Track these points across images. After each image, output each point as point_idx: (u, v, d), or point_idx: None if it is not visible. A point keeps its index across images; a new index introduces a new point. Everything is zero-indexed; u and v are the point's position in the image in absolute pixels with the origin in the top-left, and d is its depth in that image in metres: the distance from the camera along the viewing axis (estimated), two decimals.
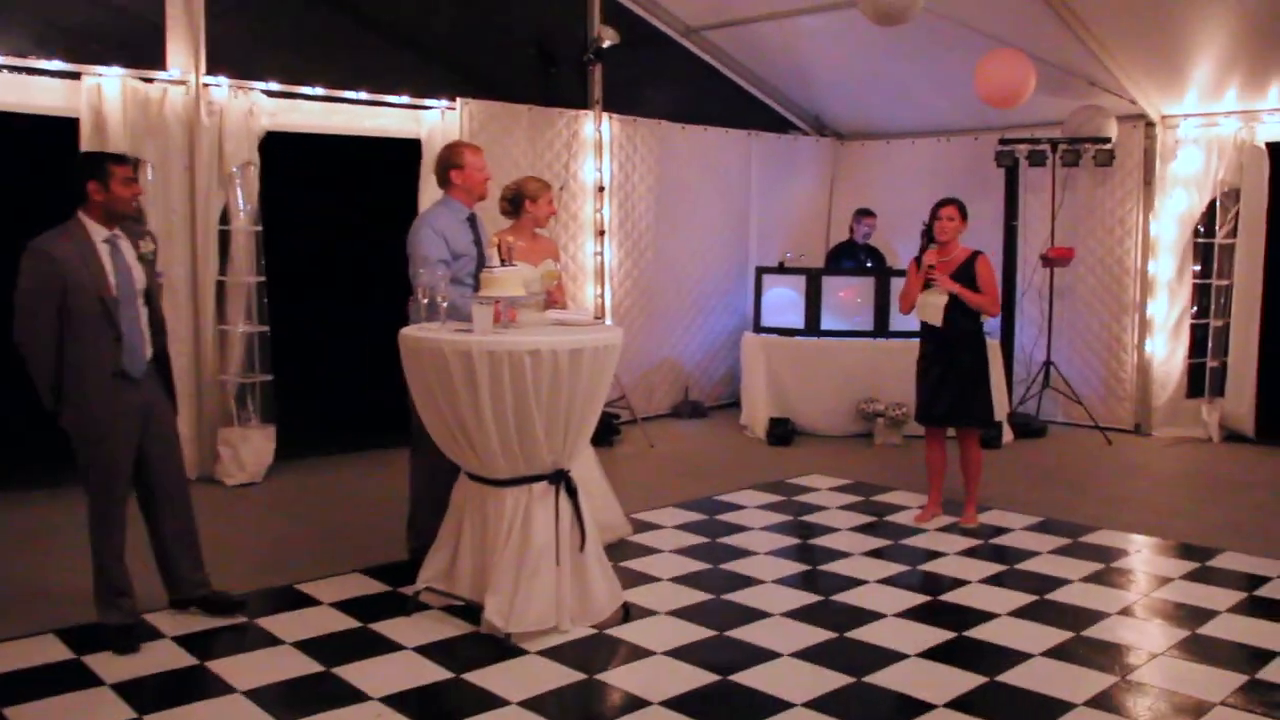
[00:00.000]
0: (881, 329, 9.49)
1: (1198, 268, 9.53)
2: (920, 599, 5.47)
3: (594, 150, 9.75)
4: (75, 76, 7.04)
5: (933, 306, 6.71)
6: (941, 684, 4.44)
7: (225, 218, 7.65)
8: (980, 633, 5.02)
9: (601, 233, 9.85)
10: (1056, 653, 4.78)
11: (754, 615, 5.21)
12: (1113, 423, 9.84)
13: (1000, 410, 9.34)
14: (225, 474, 7.64)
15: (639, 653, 4.76)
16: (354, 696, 4.30)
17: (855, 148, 11.87)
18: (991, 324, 9.84)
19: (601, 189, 9.80)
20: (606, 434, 9.07)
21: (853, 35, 9.44)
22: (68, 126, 7.04)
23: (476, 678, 4.48)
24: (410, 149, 8.50)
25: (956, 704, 4.26)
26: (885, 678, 4.52)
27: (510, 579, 4.82)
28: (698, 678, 4.51)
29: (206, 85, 7.47)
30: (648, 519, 6.88)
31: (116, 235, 4.70)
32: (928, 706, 4.24)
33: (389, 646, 4.81)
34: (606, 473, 6.42)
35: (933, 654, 4.77)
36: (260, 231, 7.77)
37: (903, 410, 8.97)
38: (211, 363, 7.71)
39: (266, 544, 6.37)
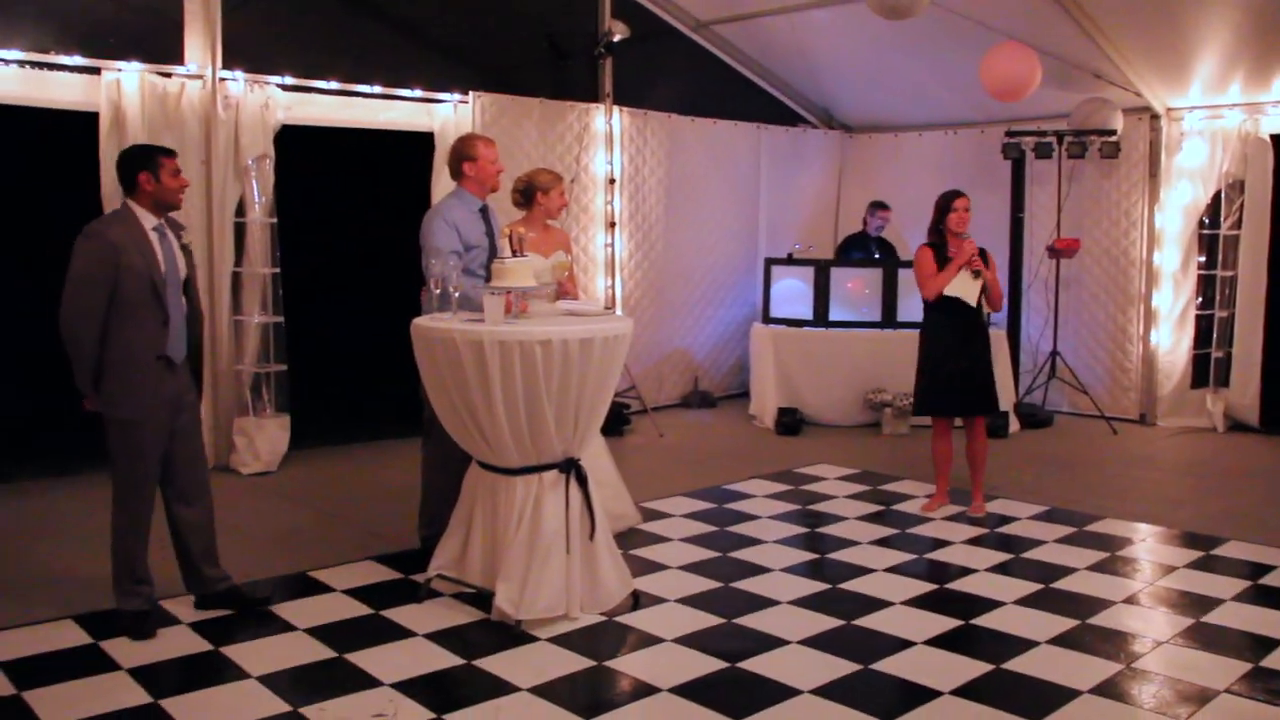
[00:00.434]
0: (889, 320, 9.54)
1: (1203, 259, 9.58)
2: (927, 587, 5.52)
3: (605, 143, 9.80)
4: (95, 72, 7.11)
5: (966, 288, 6.76)
6: (948, 671, 4.49)
7: (241, 210, 7.72)
8: (986, 620, 5.07)
9: (612, 224, 9.90)
10: (1062, 640, 4.83)
11: (762, 603, 5.27)
12: (1118, 413, 9.88)
13: (1006, 400, 9.40)
14: (240, 463, 7.72)
15: (648, 640, 4.82)
16: (366, 682, 4.36)
17: (863, 140, 11.90)
18: (998, 315, 9.89)
19: (612, 181, 9.86)
20: (617, 423, 9.13)
21: (861, 29, 9.48)
22: (87, 121, 7.12)
23: (487, 664, 4.54)
24: (423, 142, 8.56)
25: (963, 691, 4.31)
26: (892, 665, 4.57)
27: (521, 566, 4.88)
28: (706, 665, 4.56)
29: (223, 79, 7.55)
30: (657, 507, 6.94)
31: (163, 225, 4.83)
32: (934, 693, 4.29)
33: (400, 633, 4.87)
34: (617, 462, 6.48)
35: (939, 641, 4.82)
36: (275, 223, 7.84)
37: (910, 401, 9.00)
38: (227, 353, 7.79)
39: (280, 532, 6.45)
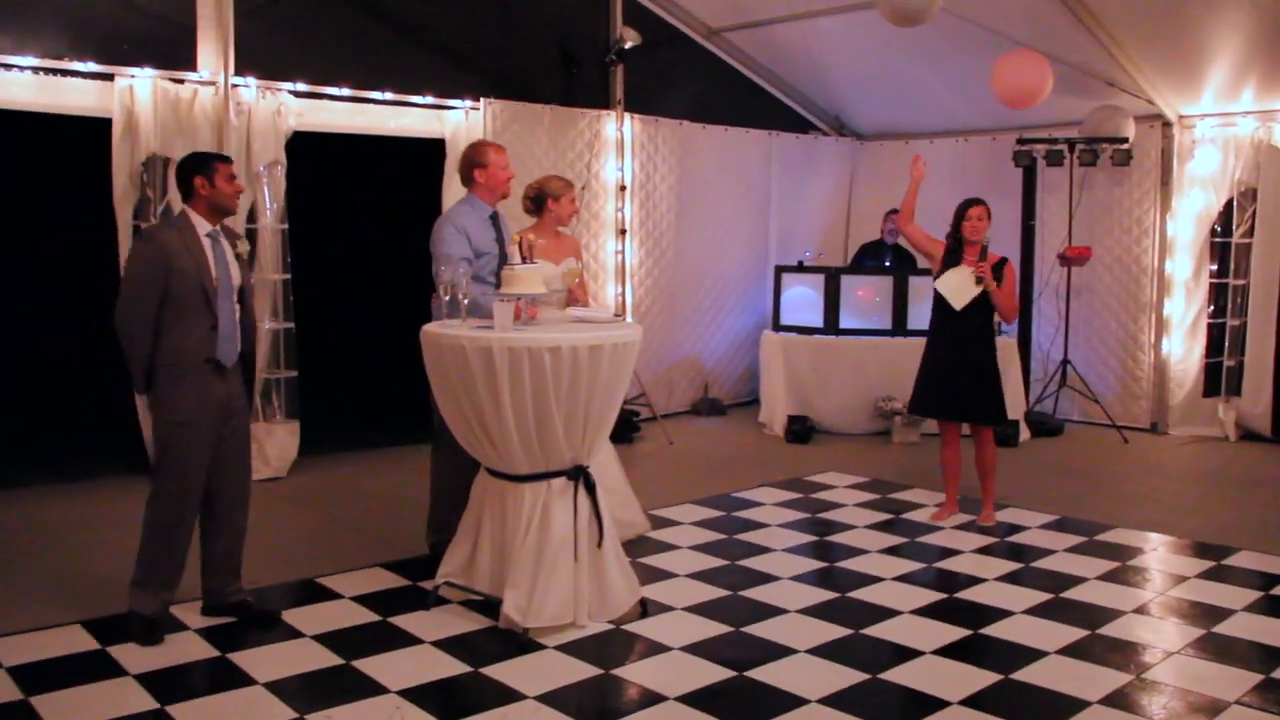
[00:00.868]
0: (900, 328, 9.51)
1: (1214, 267, 9.54)
2: (936, 596, 5.51)
3: (615, 150, 9.81)
4: (108, 78, 7.14)
5: (959, 289, 6.71)
6: (957, 681, 4.47)
7: (252, 216, 7.73)
8: (996, 630, 5.05)
9: (623, 231, 9.91)
10: (1072, 651, 4.80)
11: (770, 611, 5.26)
12: (1129, 421, 9.85)
13: (1017, 409, 9.38)
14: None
15: (656, 648, 4.81)
16: (373, 689, 4.36)
17: (874, 148, 11.89)
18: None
19: (623, 188, 9.86)
20: (626, 431, 9.13)
21: (872, 36, 9.47)
22: (101, 126, 7.15)
23: (494, 672, 4.53)
24: (434, 148, 8.57)
25: (971, 701, 4.29)
26: (900, 674, 4.56)
27: (529, 574, 4.88)
28: (714, 673, 4.55)
29: (235, 86, 7.56)
30: (666, 515, 6.93)
31: (217, 231, 4.89)
32: (942, 703, 4.27)
33: (408, 640, 4.87)
34: (626, 469, 6.49)
35: (948, 651, 4.80)
36: (286, 230, 7.85)
37: None
38: None
39: (289, 538, 6.45)
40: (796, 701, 4.28)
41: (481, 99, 8.78)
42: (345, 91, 8.15)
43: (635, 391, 9.53)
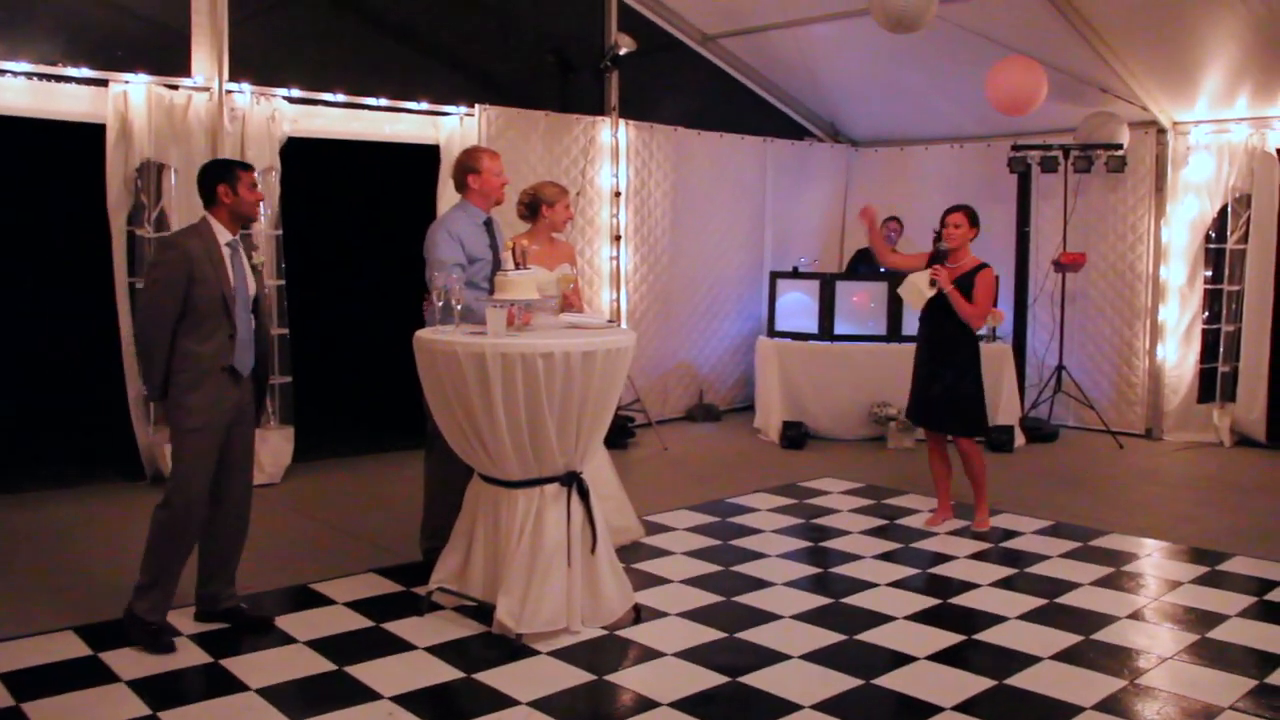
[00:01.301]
0: (894, 333, 9.52)
1: (1209, 273, 9.56)
2: (930, 602, 5.50)
3: (610, 156, 9.81)
4: (102, 84, 7.15)
5: (915, 290, 6.72)
6: (950, 687, 4.47)
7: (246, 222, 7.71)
8: (989, 636, 5.05)
9: (618, 238, 9.91)
10: (1066, 656, 4.80)
11: (764, 617, 5.25)
12: (1124, 427, 9.86)
13: (1011, 414, 9.39)
14: None
15: (649, 654, 4.80)
16: (366, 695, 4.35)
17: (869, 154, 11.90)
18: (1004, 329, 9.91)
19: (618, 194, 9.87)
20: (621, 437, 9.12)
21: (867, 43, 9.49)
22: (94, 132, 7.15)
23: (487, 677, 4.53)
24: (429, 155, 8.58)
25: (964, 707, 4.28)
26: (894, 680, 4.55)
27: (522, 580, 4.88)
28: (707, 679, 4.54)
29: (229, 92, 7.56)
30: (660, 521, 6.93)
31: (237, 241, 4.90)
32: (936, 709, 4.27)
33: (401, 646, 4.86)
34: (620, 475, 6.48)
35: (942, 657, 4.80)
36: (281, 235, 7.85)
37: None
38: None
39: (283, 544, 6.43)
40: (790, 707, 4.27)
41: (476, 105, 8.79)
42: (340, 97, 8.16)
43: (630, 397, 9.53)
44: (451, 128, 8.67)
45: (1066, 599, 5.56)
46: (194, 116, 7.46)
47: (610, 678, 4.57)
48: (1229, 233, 9.44)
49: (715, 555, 6.27)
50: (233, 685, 4.43)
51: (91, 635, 4.89)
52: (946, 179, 10.82)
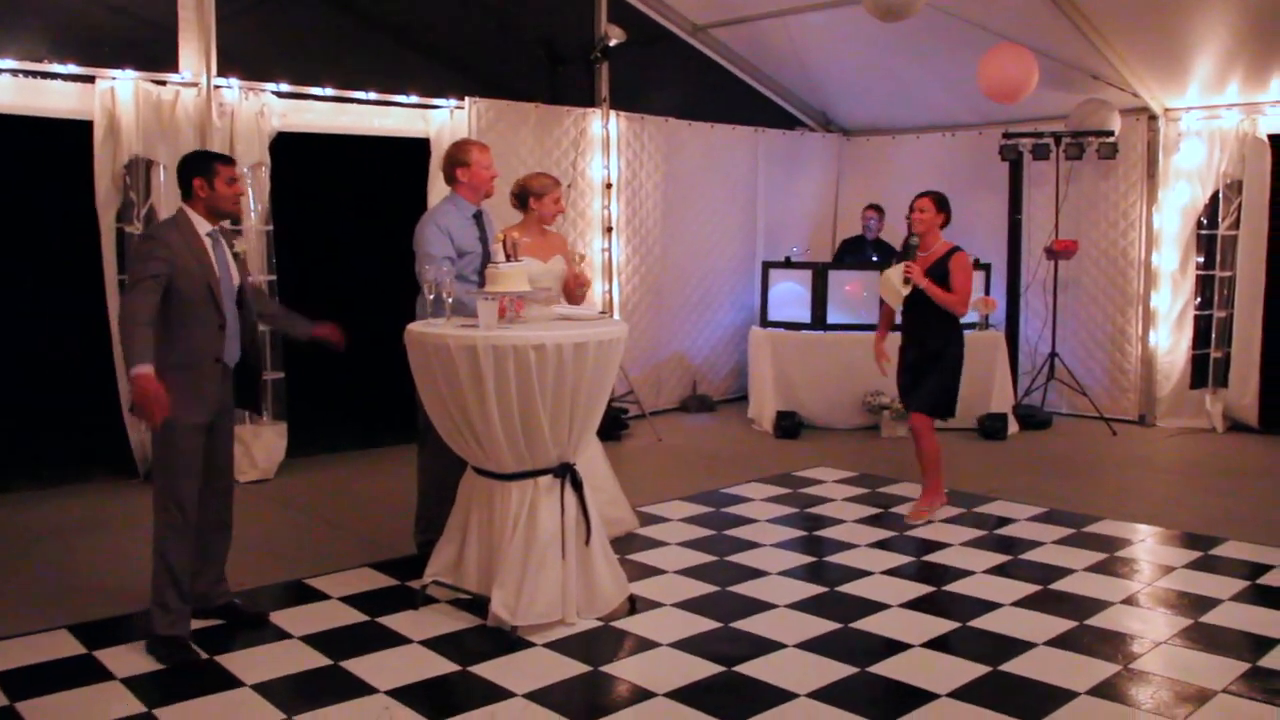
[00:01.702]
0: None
1: (1201, 259, 9.57)
2: (925, 589, 5.51)
3: (601, 148, 9.80)
4: (89, 80, 7.12)
5: (892, 289, 6.69)
6: (945, 673, 4.48)
7: (237, 218, 7.70)
8: (984, 623, 5.06)
9: (610, 229, 9.90)
10: (1060, 642, 4.82)
11: (759, 607, 5.26)
12: (1117, 414, 9.88)
13: (1005, 402, 9.41)
14: (238, 471, 7.65)
15: (644, 645, 4.81)
16: (362, 689, 4.35)
17: (861, 143, 11.90)
18: (996, 317, 9.91)
19: (609, 186, 9.85)
20: (614, 428, 9.12)
21: (857, 31, 9.47)
22: (82, 129, 7.13)
23: (483, 670, 4.53)
24: (419, 148, 8.56)
25: (960, 693, 4.30)
26: (889, 667, 4.56)
27: (517, 572, 4.87)
28: (703, 669, 4.55)
29: (218, 87, 7.54)
30: (655, 512, 6.93)
31: (217, 231, 4.84)
32: (931, 696, 4.28)
33: (396, 640, 4.86)
34: (614, 467, 6.48)
35: (936, 644, 4.81)
36: (271, 231, 7.83)
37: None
38: None
39: (277, 539, 6.44)
40: (785, 696, 4.28)
41: (466, 98, 8.76)
42: (329, 92, 8.14)
43: (624, 389, 9.53)
44: (441, 121, 8.65)
45: (1060, 585, 5.57)
46: (182, 112, 7.42)
47: (606, 669, 4.57)
48: (1220, 219, 9.44)
49: (710, 545, 6.27)
50: (228, 682, 4.43)
51: (86, 634, 4.89)
52: (938, 167, 10.82)
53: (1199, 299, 9.60)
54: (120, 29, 7.37)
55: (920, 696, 4.28)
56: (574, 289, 6.21)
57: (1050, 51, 8.97)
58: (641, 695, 4.31)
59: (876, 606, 5.26)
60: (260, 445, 7.78)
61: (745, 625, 5.02)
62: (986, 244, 10.23)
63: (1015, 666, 4.56)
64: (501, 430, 4.79)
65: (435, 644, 4.81)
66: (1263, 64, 8.66)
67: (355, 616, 5.15)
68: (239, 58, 7.66)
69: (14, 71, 6.90)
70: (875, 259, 10.31)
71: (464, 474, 5.24)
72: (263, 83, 7.77)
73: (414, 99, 8.56)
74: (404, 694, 4.31)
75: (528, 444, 4.86)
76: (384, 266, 7.72)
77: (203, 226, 4.78)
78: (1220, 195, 9.41)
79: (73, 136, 7.19)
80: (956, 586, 5.57)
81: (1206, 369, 9.60)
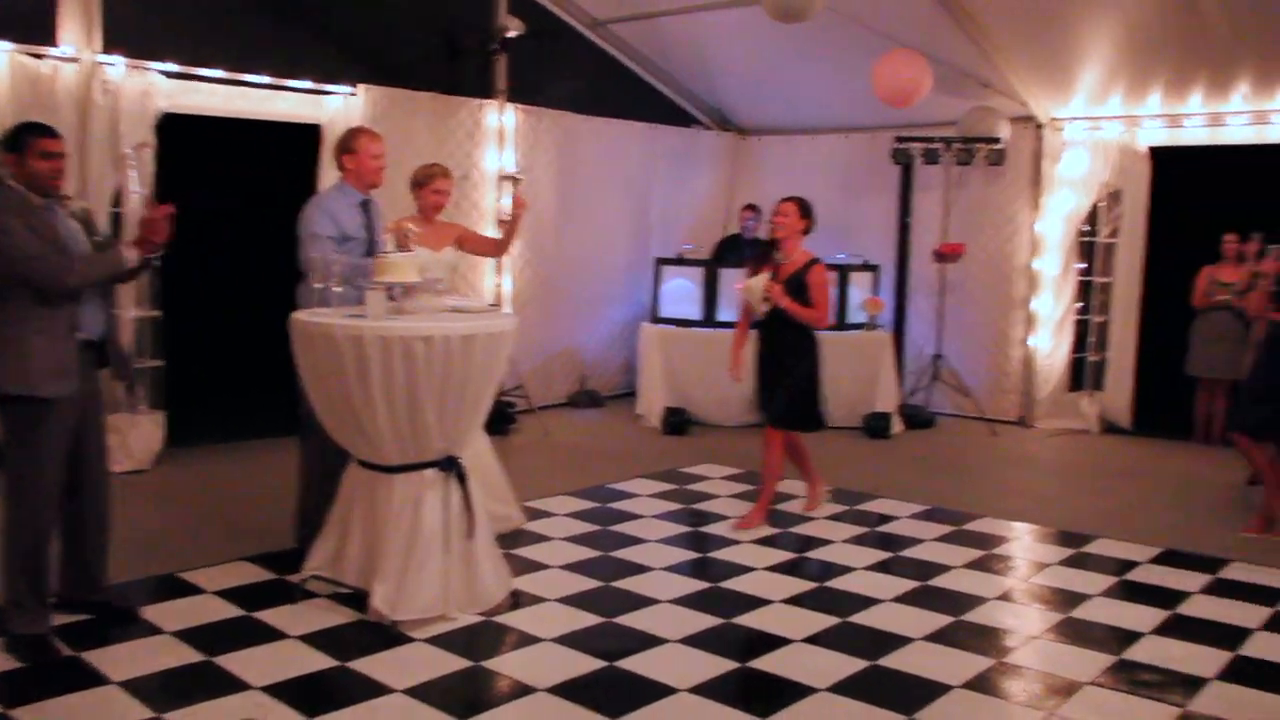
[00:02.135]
0: None
1: (1082, 265, 9.83)
2: (807, 585, 5.57)
3: (497, 140, 9.71)
4: None
5: (755, 297, 6.58)
6: (824, 668, 4.54)
7: (118, 200, 7.47)
8: (864, 618, 5.13)
9: (503, 221, 9.81)
10: (937, 637, 4.92)
11: (642, 602, 5.26)
12: (998, 414, 10.12)
13: (890, 402, 9.55)
14: (113, 460, 7.43)
15: (526, 640, 4.79)
16: (235, 686, 4.25)
17: (756, 143, 12.00)
18: (884, 317, 10.07)
19: (504, 178, 9.77)
20: (502, 423, 9.05)
21: (755, 31, 9.53)
22: None
23: (362, 665, 4.46)
24: (311, 134, 8.39)
25: (838, 688, 4.36)
26: (770, 663, 4.61)
27: (398, 566, 4.81)
28: (585, 664, 4.54)
29: (101, 64, 7.28)
30: (541, 507, 6.90)
31: (52, 201, 4.57)
32: (810, 690, 4.33)
33: (273, 635, 4.76)
34: (501, 461, 6.43)
35: (817, 639, 4.87)
36: None
37: None
38: None
39: (150, 532, 6.22)
40: (666, 691, 4.30)
41: (360, 85, 8.62)
42: (219, 73, 7.93)
43: (512, 383, 9.47)
44: (335, 107, 8.50)
45: (938, 581, 5.69)
46: (62, 88, 7.16)
47: (487, 664, 4.54)
48: (1101, 226, 9.72)
49: (595, 541, 6.26)
50: (93, 679, 4.28)
51: None
52: (832, 169, 10.97)
53: (1080, 304, 9.86)
54: None
55: (799, 691, 4.33)
56: (517, 213, 6.44)
57: (944, 58, 9.14)
58: (522, 690, 4.29)
59: (758, 602, 5.30)
60: (137, 435, 7.56)
61: (627, 620, 5.03)
62: (876, 246, 10.40)
63: (893, 661, 4.64)
64: (387, 422, 4.72)
65: (313, 639, 4.72)
66: (1143, 79, 8.94)
67: (231, 611, 5.03)
68: (125, 34, 7.40)
69: None
70: (749, 257, 10.38)
71: (347, 467, 5.15)
72: (150, 61, 7.52)
73: (307, 84, 8.39)
74: (280, 690, 4.22)
75: (413, 437, 4.80)
76: (271, 253, 7.55)
77: (34, 199, 4.50)
78: (1102, 204, 9.68)
79: None
80: (838, 583, 5.64)
81: (1084, 372, 9.89)
